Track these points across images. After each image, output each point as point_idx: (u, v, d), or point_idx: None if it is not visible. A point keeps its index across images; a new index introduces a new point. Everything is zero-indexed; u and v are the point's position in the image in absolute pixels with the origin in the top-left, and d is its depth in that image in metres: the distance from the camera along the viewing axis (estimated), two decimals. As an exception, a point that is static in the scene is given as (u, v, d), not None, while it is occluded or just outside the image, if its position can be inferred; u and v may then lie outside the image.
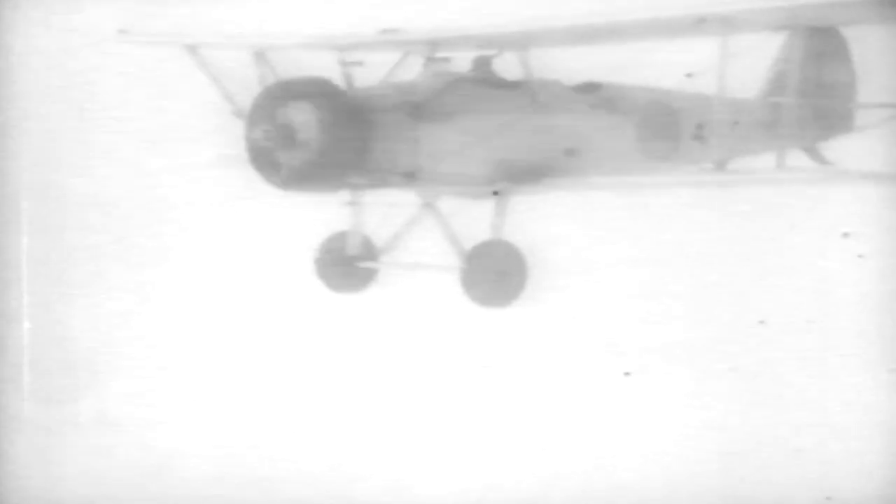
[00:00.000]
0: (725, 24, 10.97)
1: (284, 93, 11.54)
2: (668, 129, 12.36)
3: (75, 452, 12.41)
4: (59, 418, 12.45)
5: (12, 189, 12.69)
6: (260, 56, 12.10)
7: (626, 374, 12.00)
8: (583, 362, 12.07)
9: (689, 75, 11.86)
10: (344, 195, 12.08)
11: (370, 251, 12.53)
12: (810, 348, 11.96)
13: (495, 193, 11.84)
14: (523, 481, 11.97)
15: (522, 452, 12.01)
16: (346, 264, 12.47)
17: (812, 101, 12.30)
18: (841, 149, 12.44)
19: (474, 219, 12.04)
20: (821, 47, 12.34)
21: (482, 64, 12.02)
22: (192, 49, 12.28)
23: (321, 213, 12.34)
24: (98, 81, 12.79)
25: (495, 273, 11.92)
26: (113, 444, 12.40)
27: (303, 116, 11.43)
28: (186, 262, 12.65)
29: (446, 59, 11.90)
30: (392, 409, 12.13)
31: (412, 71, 12.14)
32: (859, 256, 11.94)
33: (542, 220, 12.15)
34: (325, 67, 11.83)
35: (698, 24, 10.97)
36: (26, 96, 12.74)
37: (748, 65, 11.75)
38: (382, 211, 12.24)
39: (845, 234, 11.43)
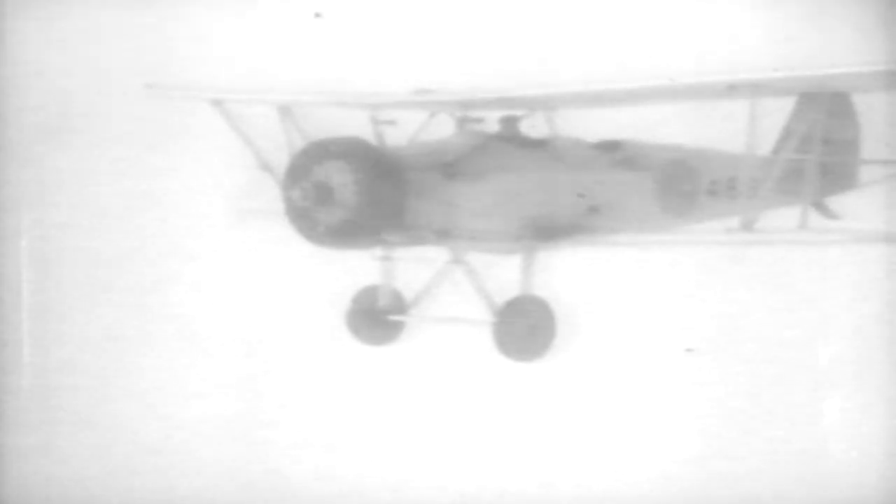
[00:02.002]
0: (754, 90, 11.37)
1: (322, 152, 11.70)
2: (684, 185, 12.73)
3: (73, 451, 12.51)
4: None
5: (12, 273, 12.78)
6: (285, 112, 12.27)
7: (652, 425, 12.33)
8: (610, 413, 12.38)
9: None
10: (376, 250, 12.32)
11: (400, 305, 12.79)
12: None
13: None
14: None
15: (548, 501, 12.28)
16: (377, 317, 12.71)
17: (823, 157, 12.71)
18: (848, 204, 12.93)
19: (502, 273, 12.30)
20: (829, 107, 12.76)
21: (510, 124, 12.30)
22: (218, 103, 12.42)
23: (352, 267, 12.55)
24: (124, 133, 12.90)
25: (526, 327, 12.18)
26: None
27: (340, 175, 11.60)
28: (215, 315, 12.78)
29: (480, 120, 12.17)
30: (421, 461, 12.33)
31: (435, 129, 12.39)
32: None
33: (568, 274, 12.44)
34: (349, 124, 12.01)
35: (729, 90, 11.37)
36: (44, 152, 12.84)
37: (765, 125, 12.12)
38: (412, 266, 12.47)
39: None
